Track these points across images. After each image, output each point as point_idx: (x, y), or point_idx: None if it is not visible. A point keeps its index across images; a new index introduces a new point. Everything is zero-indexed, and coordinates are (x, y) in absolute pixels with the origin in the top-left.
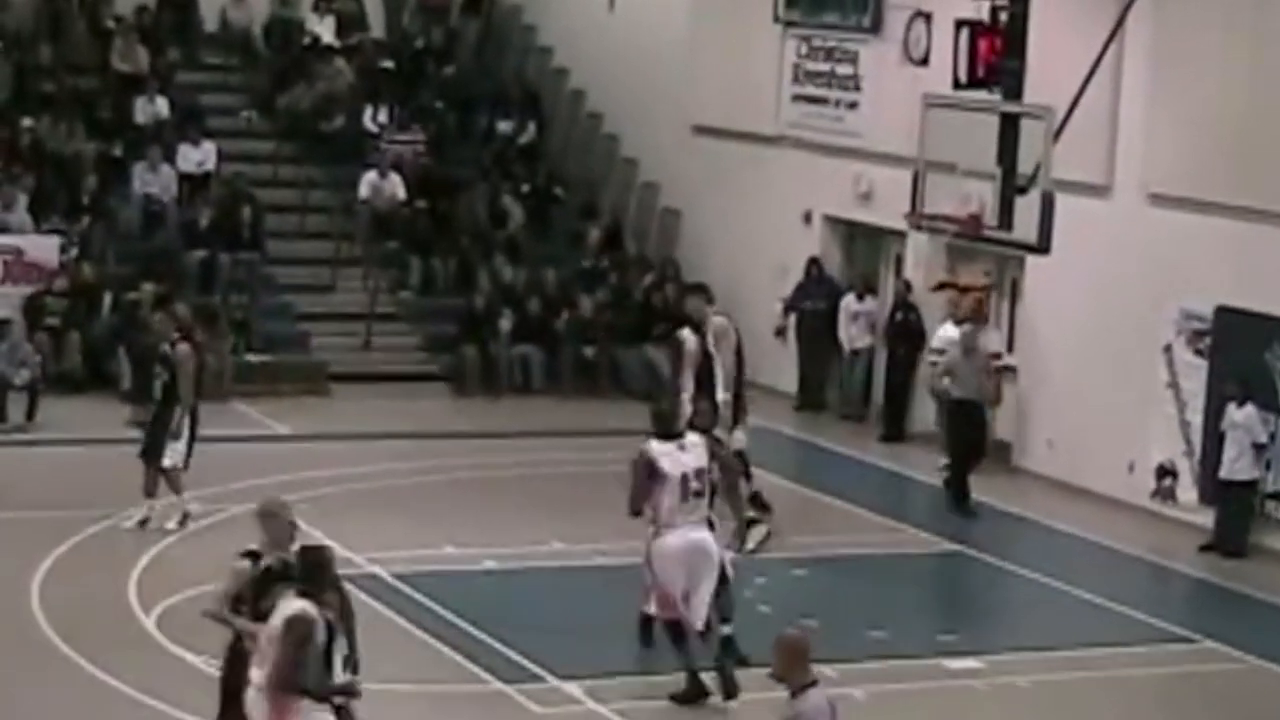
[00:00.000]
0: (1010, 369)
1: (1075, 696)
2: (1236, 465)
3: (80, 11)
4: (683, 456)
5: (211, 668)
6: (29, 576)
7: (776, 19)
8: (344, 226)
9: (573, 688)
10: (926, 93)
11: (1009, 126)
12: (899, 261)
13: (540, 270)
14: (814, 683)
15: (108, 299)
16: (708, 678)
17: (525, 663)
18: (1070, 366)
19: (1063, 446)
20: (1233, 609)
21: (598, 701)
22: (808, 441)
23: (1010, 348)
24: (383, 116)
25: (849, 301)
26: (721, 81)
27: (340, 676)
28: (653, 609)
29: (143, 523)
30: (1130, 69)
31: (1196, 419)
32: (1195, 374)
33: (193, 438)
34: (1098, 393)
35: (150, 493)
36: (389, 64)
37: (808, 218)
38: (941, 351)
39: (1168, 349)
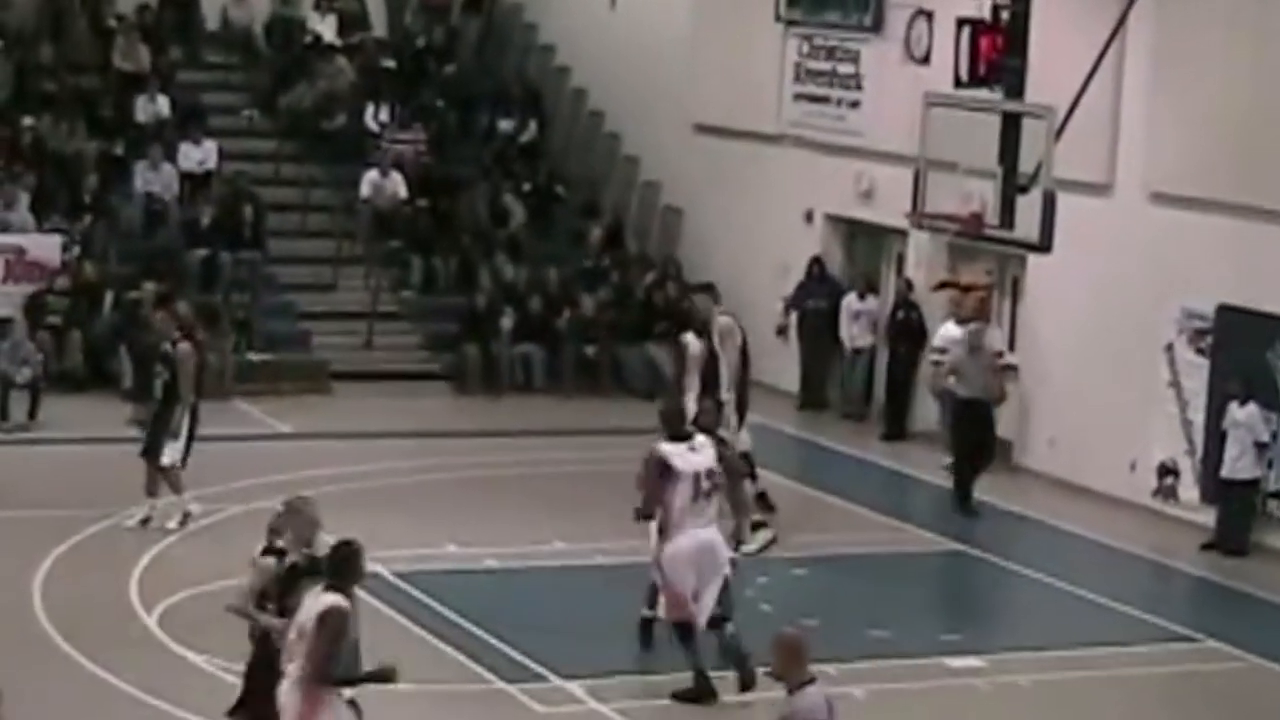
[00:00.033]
0: (1012, 367)
1: (1077, 695)
2: (1238, 464)
3: (82, 10)
4: (693, 457)
5: (213, 666)
6: (30, 575)
7: (778, 18)
8: (345, 225)
9: (574, 687)
10: (928, 91)
11: (1010, 125)
12: (900, 260)
13: (542, 269)
14: (812, 680)
15: (109, 298)
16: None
17: (527, 662)
18: (1072, 365)
19: (1064, 445)
20: (1234, 608)
21: (599, 701)
22: (809, 440)
23: (1012, 346)
24: (384, 115)
25: (850, 300)
26: (723, 80)
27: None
28: (660, 612)
29: (144, 522)
30: (1132, 67)
31: (1198, 418)
32: (1197, 373)
33: (192, 436)
34: (1099, 391)
35: (152, 492)
36: (390, 63)
37: (809, 216)
38: (943, 350)
39: (1169, 348)
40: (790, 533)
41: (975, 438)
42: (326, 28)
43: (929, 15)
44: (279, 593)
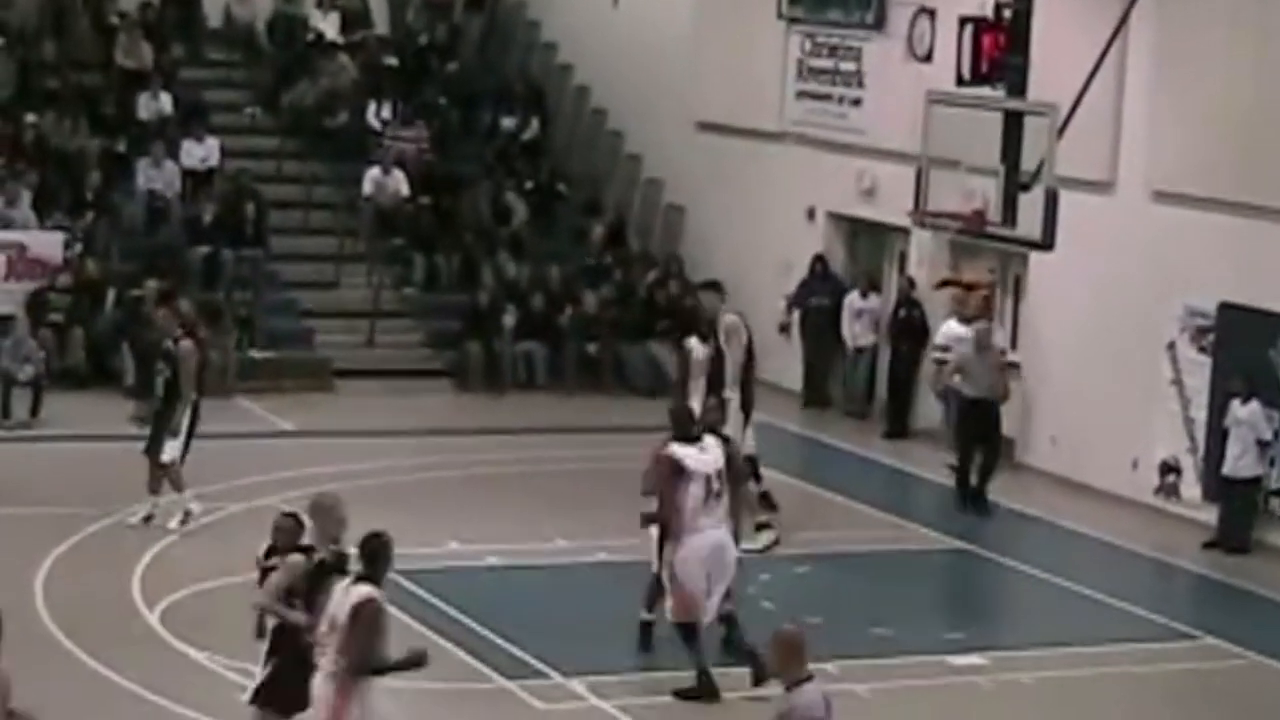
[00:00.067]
0: (1014, 365)
1: (1079, 693)
2: (1240, 462)
3: (84, 8)
4: (704, 457)
5: (215, 664)
6: (32, 572)
7: (780, 15)
8: (348, 223)
9: (576, 684)
10: (930, 89)
11: (1013, 123)
12: (903, 258)
13: (544, 266)
14: (809, 677)
15: (111, 295)
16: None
17: (529, 659)
18: (1074, 363)
19: (1066, 443)
20: (1236, 605)
21: (601, 698)
22: (811, 438)
23: (1014, 344)
24: (386, 113)
25: (853, 299)
26: (725, 78)
27: None
28: (666, 614)
29: (147, 519)
30: (1134, 65)
31: (1200, 415)
32: (1199, 370)
33: (191, 434)
34: (1101, 389)
35: (154, 489)
36: (393, 60)
37: (811, 214)
38: (946, 349)
39: (1171, 345)
40: (793, 530)
41: (982, 437)
42: (329, 25)
43: (931, 13)
44: (307, 589)
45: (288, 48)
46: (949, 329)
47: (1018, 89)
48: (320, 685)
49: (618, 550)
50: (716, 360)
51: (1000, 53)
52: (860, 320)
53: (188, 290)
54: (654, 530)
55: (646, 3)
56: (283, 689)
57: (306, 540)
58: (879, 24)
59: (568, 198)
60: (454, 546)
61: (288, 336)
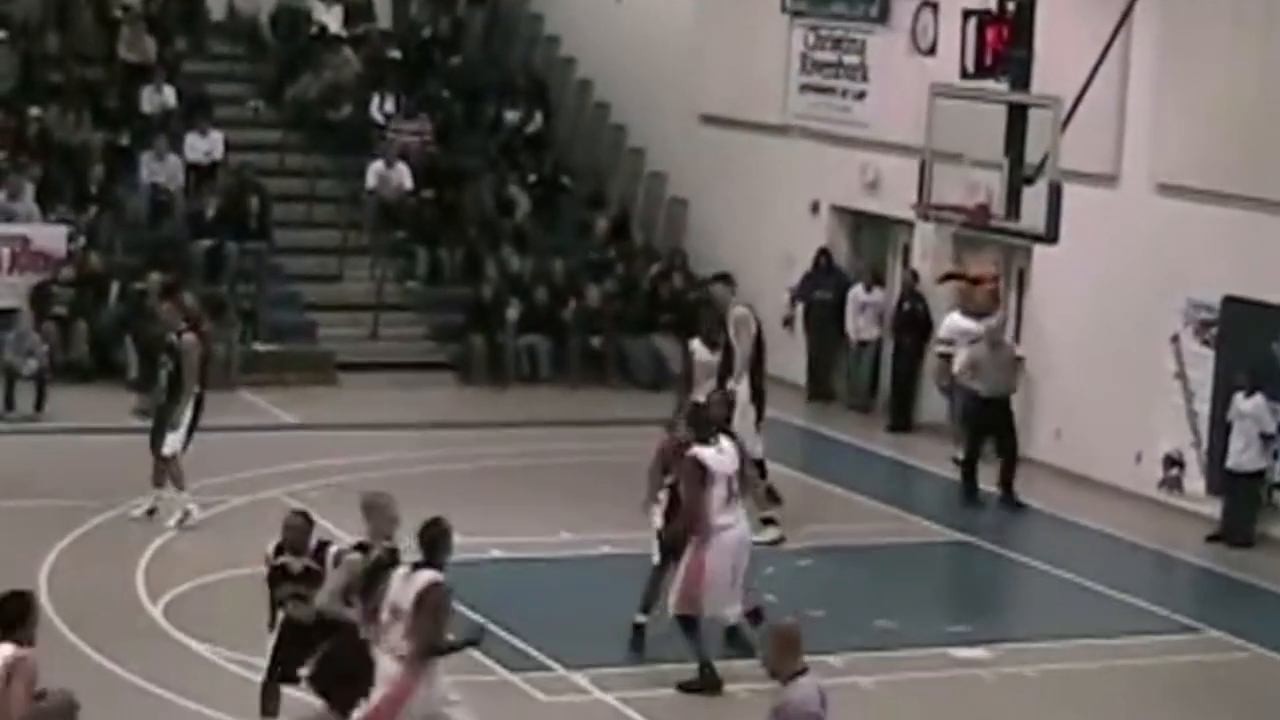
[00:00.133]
0: (1018, 359)
1: (1082, 686)
2: (1244, 455)
3: (87, 1)
4: (723, 458)
5: (218, 657)
6: (36, 565)
7: (784, 9)
8: (351, 216)
9: (579, 677)
10: (934, 82)
11: (1017, 116)
12: (906, 251)
13: (547, 260)
14: (804, 671)
15: (115, 288)
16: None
17: (532, 652)
18: (1077, 356)
19: (1070, 436)
20: (1239, 599)
21: (604, 691)
22: (815, 431)
23: (1017, 338)
24: (389, 106)
25: (857, 292)
26: (729, 71)
27: None
28: (670, 606)
29: (150, 512)
30: (1138, 59)
31: (1204, 409)
32: (1202, 364)
33: (193, 426)
34: (1105, 383)
35: (158, 483)
36: (396, 53)
37: (815, 208)
38: (949, 342)
39: (1175, 339)
40: (796, 523)
41: (997, 435)
42: (332, 18)
43: (935, 6)
44: (363, 586)
45: (291, 41)
46: (952, 322)
47: (1021, 82)
48: (387, 668)
49: (621, 543)
50: (727, 354)
51: (1004, 46)
52: (864, 314)
53: (191, 283)
54: (656, 523)
55: None
56: (340, 689)
57: (361, 538)
58: (883, 17)
59: (571, 191)
60: (457, 539)
61: (291, 330)
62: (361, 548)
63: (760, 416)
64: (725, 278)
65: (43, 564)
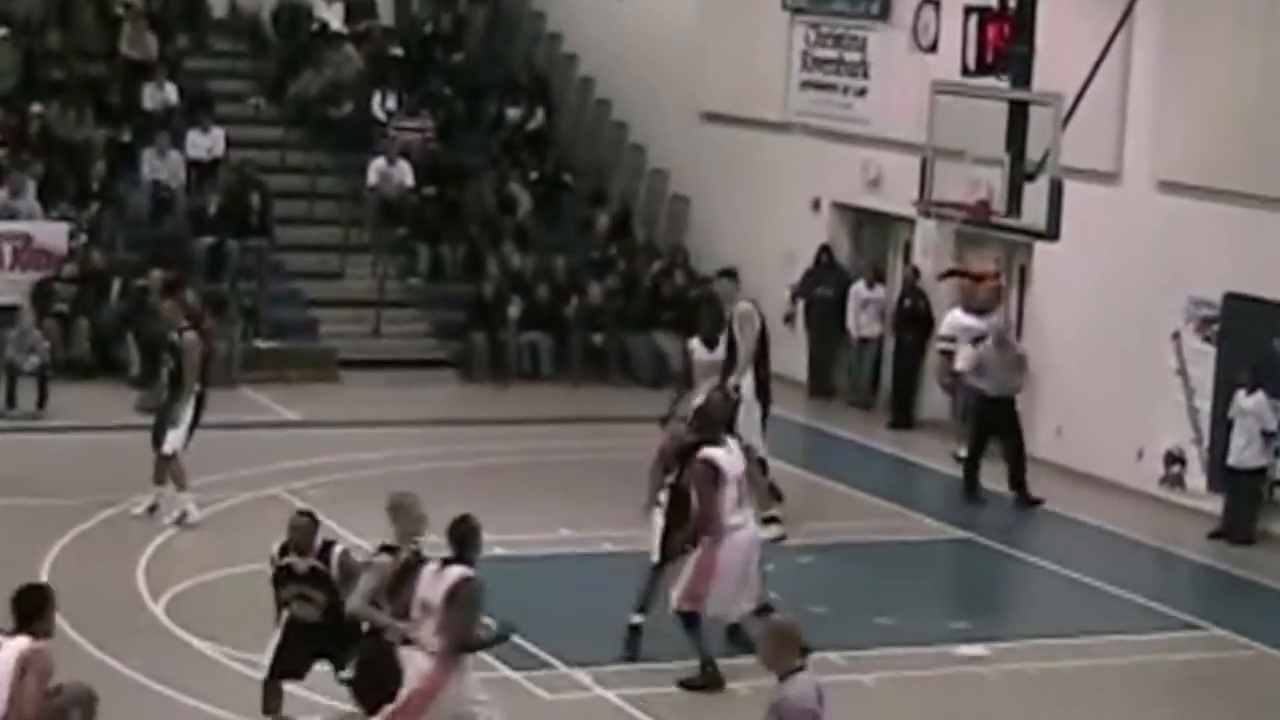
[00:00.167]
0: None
1: (1083, 683)
2: (1245, 453)
3: None
4: (732, 459)
5: (220, 654)
6: (38, 562)
7: (785, 6)
8: (352, 213)
9: (581, 674)
10: (935, 79)
11: (1018, 113)
12: (907, 248)
13: (549, 257)
14: (801, 668)
15: (116, 285)
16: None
17: (533, 649)
18: (1078, 353)
19: (1071, 433)
20: (1241, 596)
21: (606, 688)
22: (816, 428)
23: (1019, 335)
24: (391, 103)
25: (858, 289)
26: (730, 68)
27: None
28: (673, 602)
29: (152, 509)
30: (1139, 56)
31: (1205, 406)
32: (1204, 361)
33: (195, 423)
34: (1106, 380)
35: (160, 480)
36: (397, 50)
37: (816, 205)
38: (951, 339)
39: (1176, 336)
40: (797, 520)
41: (1003, 436)
42: (334, 15)
43: (936, 3)
44: (391, 588)
45: (292, 38)
46: (954, 318)
47: (1023, 79)
48: (418, 663)
49: (622, 541)
50: (730, 351)
51: (1005, 43)
52: (865, 310)
53: (193, 280)
54: (657, 521)
55: None
56: (369, 691)
57: (388, 541)
58: (884, 14)
59: (573, 188)
60: None
61: (293, 327)
62: (387, 549)
63: (766, 413)
64: (730, 273)
65: (44, 561)
